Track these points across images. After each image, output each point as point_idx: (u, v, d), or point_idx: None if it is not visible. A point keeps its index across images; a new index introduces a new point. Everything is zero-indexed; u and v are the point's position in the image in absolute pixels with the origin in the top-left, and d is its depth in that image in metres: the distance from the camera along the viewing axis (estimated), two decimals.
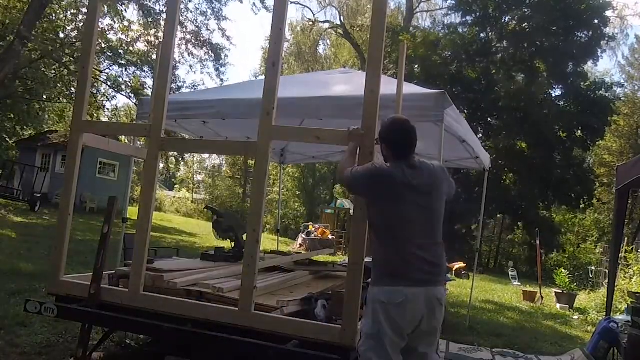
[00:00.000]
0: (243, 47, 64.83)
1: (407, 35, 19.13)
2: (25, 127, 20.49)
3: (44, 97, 18.01)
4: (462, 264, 13.56)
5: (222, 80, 19.64)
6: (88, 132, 3.39)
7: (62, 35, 17.32)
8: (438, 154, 4.42)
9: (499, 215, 21.83)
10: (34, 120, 20.26)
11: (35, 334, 4.03)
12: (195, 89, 18.28)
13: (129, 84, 18.73)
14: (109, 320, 3.07)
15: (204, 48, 19.10)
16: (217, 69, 19.56)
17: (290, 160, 8.58)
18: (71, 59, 16.10)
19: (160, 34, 17.26)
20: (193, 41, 18.92)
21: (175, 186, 44.82)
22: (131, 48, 18.38)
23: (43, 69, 16.58)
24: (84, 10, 17.14)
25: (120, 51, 17.72)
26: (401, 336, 2.27)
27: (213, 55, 19.27)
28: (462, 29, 20.86)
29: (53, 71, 17.28)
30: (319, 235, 17.93)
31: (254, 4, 36.01)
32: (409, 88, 4.54)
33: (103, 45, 16.88)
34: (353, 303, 2.63)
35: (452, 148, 5.39)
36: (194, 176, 42.82)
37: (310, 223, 21.35)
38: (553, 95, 21.08)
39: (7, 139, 18.83)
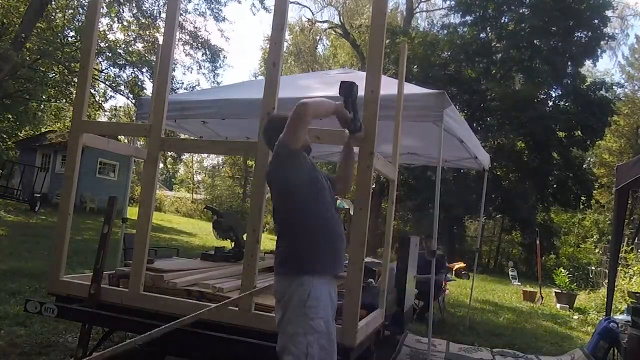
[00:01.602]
0: (241, 47, 64.87)
1: (405, 38, 19.11)
2: (21, 128, 20.43)
3: (43, 97, 17.99)
4: (462, 264, 13.58)
5: (217, 83, 19.63)
6: (88, 132, 3.39)
7: (60, 35, 17.31)
8: (437, 154, 4.43)
9: (498, 216, 21.82)
10: (32, 120, 20.24)
11: (35, 334, 4.03)
12: (192, 89, 18.29)
13: (128, 84, 18.74)
14: (108, 320, 3.07)
15: (202, 49, 19.13)
16: (213, 70, 19.57)
17: None
18: (70, 58, 16.08)
19: (158, 35, 17.28)
20: (191, 42, 18.95)
21: (175, 186, 44.80)
22: (130, 48, 18.39)
23: (42, 69, 16.57)
24: (81, 10, 17.17)
25: (120, 51, 17.72)
26: None
27: (211, 56, 19.27)
28: (462, 29, 20.87)
29: (52, 72, 17.28)
30: None
31: (252, 4, 36.05)
32: (409, 88, 4.54)
33: (102, 45, 16.88)
34: (353, 303, 2.63)
35: (452, 148, 5.39)
36: (194, 176, 42.80)
37: None
38: (552, 95, 21.11)
39: (7, 140, 18.81)
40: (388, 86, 3.77)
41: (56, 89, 17.55)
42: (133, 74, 18.66)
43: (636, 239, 11.94)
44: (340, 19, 27.83)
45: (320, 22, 29.42)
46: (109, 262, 3.41)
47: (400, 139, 3.81)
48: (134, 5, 17.49)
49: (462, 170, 17.68)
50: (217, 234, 4.56)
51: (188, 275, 3.41)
